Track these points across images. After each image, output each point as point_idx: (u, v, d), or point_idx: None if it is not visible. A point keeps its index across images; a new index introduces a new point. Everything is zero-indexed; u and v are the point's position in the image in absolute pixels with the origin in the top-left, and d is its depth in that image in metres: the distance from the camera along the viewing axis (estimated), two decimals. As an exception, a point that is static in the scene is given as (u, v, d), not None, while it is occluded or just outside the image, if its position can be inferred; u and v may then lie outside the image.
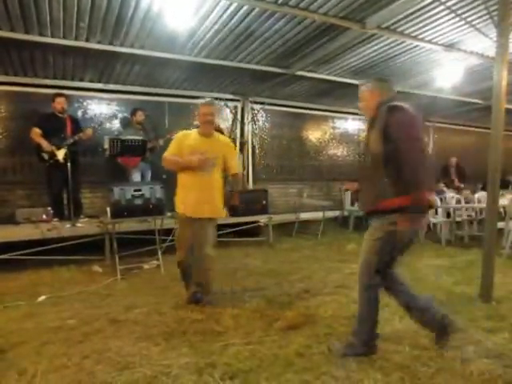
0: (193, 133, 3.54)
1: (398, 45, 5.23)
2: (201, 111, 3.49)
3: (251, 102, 7.84)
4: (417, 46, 5.26)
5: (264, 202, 6.37)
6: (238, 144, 7.86)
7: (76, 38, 4.68)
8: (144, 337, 2.81)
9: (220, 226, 5.92)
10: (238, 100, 7.73)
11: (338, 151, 9.41)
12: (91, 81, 6.33)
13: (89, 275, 4.59)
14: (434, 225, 6.87)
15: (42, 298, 3.76)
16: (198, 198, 3.37)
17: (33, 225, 5.11)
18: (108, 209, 5.08)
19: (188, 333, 2.87)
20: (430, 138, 10.65)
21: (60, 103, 5.48)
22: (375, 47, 5.29)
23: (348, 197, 8.27)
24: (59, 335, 2.86)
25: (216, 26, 4.51)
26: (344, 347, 2.53)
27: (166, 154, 3.47)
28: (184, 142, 3.45)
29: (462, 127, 11.00)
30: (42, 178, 5.76)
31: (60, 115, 5.50)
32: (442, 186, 8.20)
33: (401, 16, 4.40)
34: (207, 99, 3.61)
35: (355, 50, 5.39)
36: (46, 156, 5.32)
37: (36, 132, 5.33)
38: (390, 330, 2.89)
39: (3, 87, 5.97)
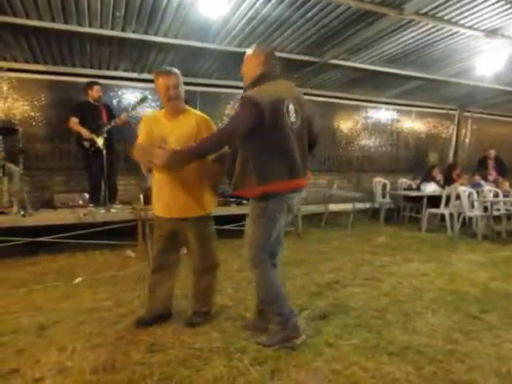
0: (160, 115, 2.78)
1: (436, 31, 5.03)
2: (160, 83, 2.59)
3: (282, 91, 7.77)
4: (456, 32, 5.04)
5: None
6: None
7: (112, 28, 4.77)
8: (176, 320, 2.87)
9: (249, 215, 5.96)
10: (268, 89, 7.68)
11: (370, 142, 9.21)
12: (126, 70, 6.45)
13: (122, 259, 4.73)
14: (470, 219, 6.64)
15: (79, 279, 3.91)
16: (170, 197, 2.69)
17: (70, 209, 5.31)
18: (141, 195, 5.21)
19: (218, 318, 2.93)
20: (468, 128, 10.26)
21: (98, 91, 5.54)
22: (412, 34, 5.11)
23: (379, 188, 8.13)
24: (95, 316, 2.98)
25: (249, 14, 4.48)
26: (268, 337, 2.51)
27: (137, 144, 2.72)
28: (154, 128, 2.70)
29: (502, 118, 10.53)
30: (79, 165, 5.95)
31: (95, 103, 5.56)
32: (478, 178, 7.90)
33: (440, 1, 4.23)
34: (164, 68, 2.72)
35: (391, 37, 5.22)
36: (87, 144, 5.40)
37: (73, 121, 5.43)
38: (423, 323, 2.84)
39: (43, 76, 6.17)
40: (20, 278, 3.92)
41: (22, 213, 4.72)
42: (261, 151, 2.36)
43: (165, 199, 2.71)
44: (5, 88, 6.06)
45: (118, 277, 4.04)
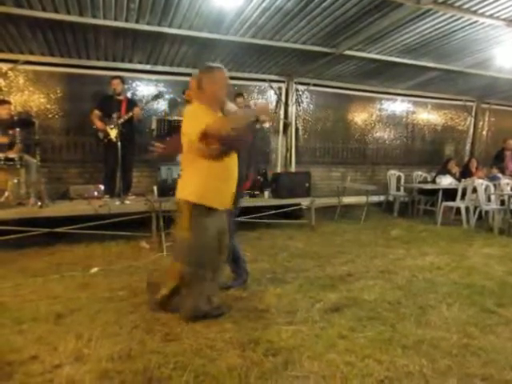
0: (205, 110, 2.61)
1: (454, 21, 4.91)
2: (221, 76, 2.57)
3: (296, 82, 7.70)
4: (476, 21, 4.91)
5: (306, 184, 6.31)
6: (281, 125, 7.82)
7: (126, 20, 4.78)
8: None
9: (262, 208, 5.98)
10: (282, 81, 7.62)
11: (385, 134, 9.09)
12: (140, 62, 6.46)
13: (137, 250, 4.79)
14: (486, 212, 6.53)
15: (95, 269, 3.98)
16: (229, 190, 2.79)
17: (85, 201, 5.37)
18: (155, 187, 5.24)
19: (232, 309, 2.94)
20: (485, 120, 10.05)
21: (114, 84, 5.73)
22: (430, 23, 5.00)
23: (393, 181, 8.05)
24: (111, 305, 3.03)
25: (264, 4, 4.43)
26: None
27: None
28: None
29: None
30: (94, 157, 6.02)
31: (116, 96, 5.73)
32: (496, 171, 7.74)
33: (460, -11, 4.13)
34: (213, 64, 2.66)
35: (408, 27, 5.11)
36: (101, 135, 5.61)
37: (95, 113, 5.66)
38: (437, 317, 2.81)
39: (59, 69, 6.22)
40: (38, 268, 4.00)
41: (39, 204, 4.81)
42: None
43: (230, 190, 2.78)
44: (21, 81, 6.14)
45: (132, 267, 4.09)
